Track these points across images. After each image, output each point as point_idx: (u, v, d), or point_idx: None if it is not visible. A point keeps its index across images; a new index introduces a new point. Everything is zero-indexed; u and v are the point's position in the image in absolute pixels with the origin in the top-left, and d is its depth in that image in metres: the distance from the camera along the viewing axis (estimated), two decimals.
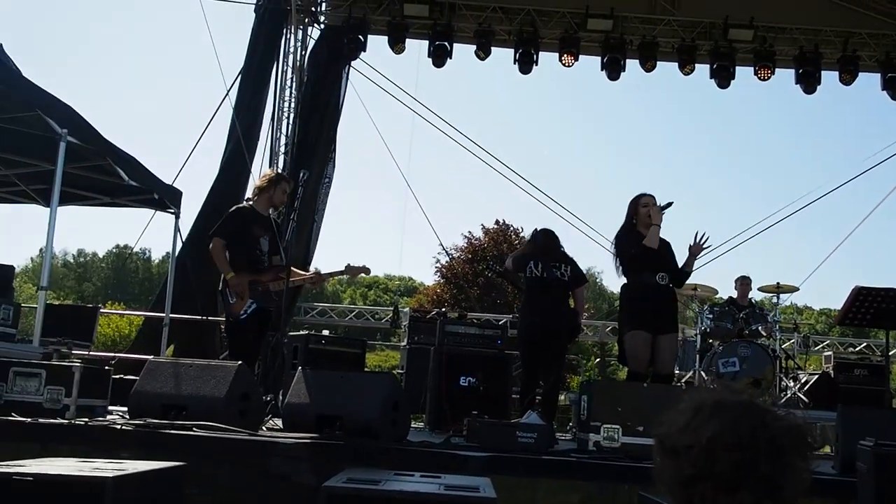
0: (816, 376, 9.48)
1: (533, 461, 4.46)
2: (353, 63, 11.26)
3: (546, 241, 7.17)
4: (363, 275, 7.02)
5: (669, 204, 6.02)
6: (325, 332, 8.92)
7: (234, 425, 4.61)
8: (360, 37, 11.20)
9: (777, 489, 1.44)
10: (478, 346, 7.82)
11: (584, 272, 7.34)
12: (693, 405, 1.55)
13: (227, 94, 10.15)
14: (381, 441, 4.58)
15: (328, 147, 10.59)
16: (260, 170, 10.09)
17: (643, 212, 6.05)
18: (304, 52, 11.40)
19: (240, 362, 5.11)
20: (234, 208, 6.56)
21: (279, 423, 5.21)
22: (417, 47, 11.45)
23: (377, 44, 11.44)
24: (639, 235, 6.02)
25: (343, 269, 6.67)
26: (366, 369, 9.38)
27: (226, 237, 6.30)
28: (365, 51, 11.37)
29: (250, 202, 6.65)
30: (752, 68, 11.75)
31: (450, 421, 6.81)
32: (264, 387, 6.20)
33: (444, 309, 11.84)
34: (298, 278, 6.64)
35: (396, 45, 11.14)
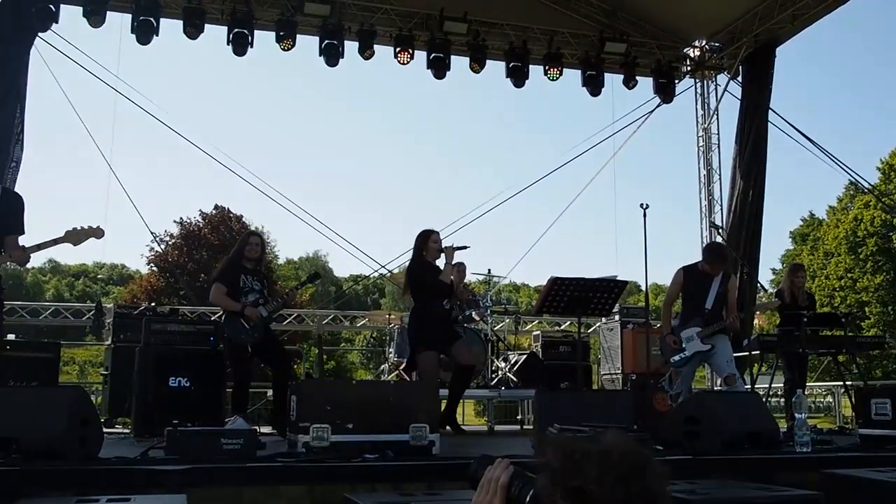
0: (525, 355, 10.07)
1: (235, 470, 4.22)
2: (43, 35, 10.07)
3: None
4: (94, 238, 5.39)
5: (464, 247, 7.40)
6: (11, 337, 7.94)
7: None
8: (51, 6, 10.05)
9: None
10: (188, 343, 7.39)
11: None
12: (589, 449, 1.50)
13: None
14: (67, 461, 4.11)
15: (13, 127, 9.40)
16: None
17: (433, 247, 7.27)
18: None
19: None
20: None
21: None
22: (119, 21, 10.55)
23: (72, 15, 10.34)
24: (432, 267, 7.24)
25: (63, 235, 5.34)
26: (60, 374, 8.53)
27: None
28: (57, 22, 10.22)
29: None
30: (467, 59, 12.18)
31: (157, 427, 6.34)
32: None
33: (153, 304, 11.07)
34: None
35: (93, 18, 10.16)
